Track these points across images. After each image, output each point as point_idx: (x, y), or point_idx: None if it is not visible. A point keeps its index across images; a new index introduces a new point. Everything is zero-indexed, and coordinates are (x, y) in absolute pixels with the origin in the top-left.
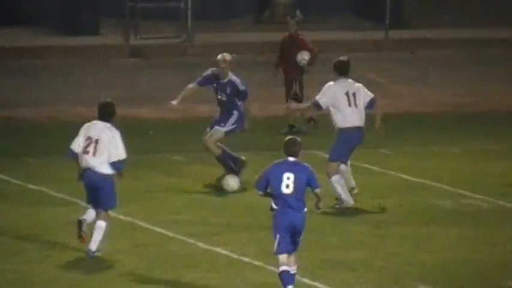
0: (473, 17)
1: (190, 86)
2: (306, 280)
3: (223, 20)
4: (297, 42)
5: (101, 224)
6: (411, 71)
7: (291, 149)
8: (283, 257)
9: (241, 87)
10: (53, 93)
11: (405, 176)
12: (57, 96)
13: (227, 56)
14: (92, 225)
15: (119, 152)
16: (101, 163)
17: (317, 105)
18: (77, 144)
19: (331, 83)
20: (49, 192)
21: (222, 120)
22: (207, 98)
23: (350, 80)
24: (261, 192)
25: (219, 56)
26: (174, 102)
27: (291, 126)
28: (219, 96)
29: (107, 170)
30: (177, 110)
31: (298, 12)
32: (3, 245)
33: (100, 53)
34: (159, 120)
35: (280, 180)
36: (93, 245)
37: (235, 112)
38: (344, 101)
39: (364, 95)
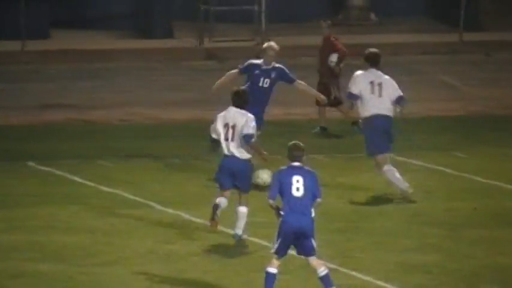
0: None
1: (232, 72)
2: (380, 282)
3: (297, 22)
4: (329, 45)
5: (243, 210)
6: (486, 74)
7: (295, 154)
8: (275, 260)
9: (288, 70)
10: (127, 96)
11: (480, 179)
12: (130, 99)
13: (275, 45)
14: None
15: (249, 129)
16: (238, 147)
17: (351, 95)
18: (217, 132)
19: (358, 72)
20: (122, 195)
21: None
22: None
23: (379, 72)
24: (272, 201)
25: (266, 45)
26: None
27: (323, 128)
28: (260, 84)
29: (245, 154)
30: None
31: (372, 14)
32: (77, 247)
33: (174, 56)
34: None
35: (290, 184)
36: (239, 230)
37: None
38: (367, 90)
39: (393, 89)
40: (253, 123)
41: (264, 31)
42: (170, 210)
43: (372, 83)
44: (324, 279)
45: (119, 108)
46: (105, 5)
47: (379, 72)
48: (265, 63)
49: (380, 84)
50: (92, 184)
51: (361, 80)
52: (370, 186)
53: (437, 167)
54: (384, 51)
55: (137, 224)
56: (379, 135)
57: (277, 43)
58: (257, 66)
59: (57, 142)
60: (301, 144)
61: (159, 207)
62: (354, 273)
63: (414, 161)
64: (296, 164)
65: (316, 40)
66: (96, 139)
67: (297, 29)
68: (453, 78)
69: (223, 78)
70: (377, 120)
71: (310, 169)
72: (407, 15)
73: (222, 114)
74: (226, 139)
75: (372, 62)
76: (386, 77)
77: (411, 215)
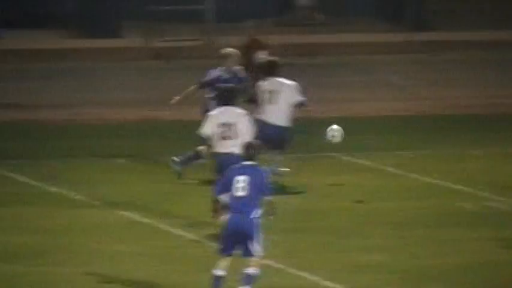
0: (493, 19)
1: (192, 88)
2: (327, 283)
3: (244, 22)
4: (256, 44)
5: None
6: (432, 73)
7: (247, 152)
8: (221, 261)
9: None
10: (73, 95)
11: (427, 179)
12: (77, 98)
13: (233, 50)
14: None
15: (250, 132)
16: (239, 145)
17: (253, 101)
18: (209, 130)
19: (260, 82)
20: (68, 195)
21: None
22: None
23: (277, 79)
24: (217, 196)
25: (226, 51)
26: (174, 101)
27: None
28: None
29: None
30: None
31: (319, 14)
32: (24, 247)
33: (121, 55)
34: (180, 122)
35: (234, 183)
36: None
37: None
38: (266, 99)
39: (292, 94)
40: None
41: (211, 31)
42: (117, 211)
43: (270, 92)
44: (247, 277)
45: (65, 108)
46: (54, 4)
47: (278, 80)
48: (227, 70)
49: (277, 92)
50: (39, 184)
51: (259, 90)
52: (320, 186)
53: (385, 167)
54: (331, 51)
55: (84, 224)
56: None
57: (224, 42)
58: (218, 78)
59: (3, 142)
60: (255, 143)
61: (105, 207)
62: (301, 273)
63: (362, 161)
64: (247, 162)
65: (265, 39)
66: (42, 139)
67: (244, 28)
68: (400, 78)
69: (183, 94)
70: (267, 128)
71: (260, 168)
72: (355, 15)
73: (213, 113)
74: (226, 137)
75: (268, 71)
76: (288, 82)
77: (359, 215)
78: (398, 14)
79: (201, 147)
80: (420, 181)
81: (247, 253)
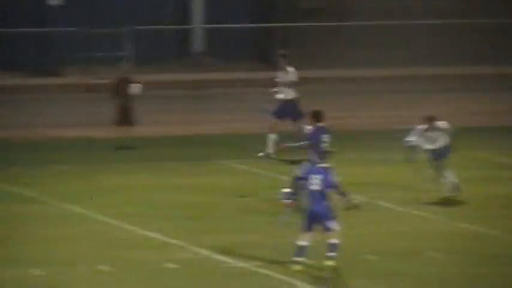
0: None
1: None
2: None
3: (155, 64)
4: (125, 80)
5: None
6: None
7: None
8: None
9: None
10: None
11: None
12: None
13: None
14: None
15: None
16: None
17: None
18: None
19: None
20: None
21: None
22: None
23: None
24: None
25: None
26: None
27: None
28: None
29: None
30: None
31: (211, 58)
32: None
33: (63, 90)
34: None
35: None
36: None
37: None
38: None
39: None
40: None
41: (130, 70)
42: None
43: None
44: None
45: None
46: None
47: None
48: None
49: None
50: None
51: None
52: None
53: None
54: (219, 84)
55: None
56: None
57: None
58: None
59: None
60: None
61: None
62: (197, 249)
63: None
64: None
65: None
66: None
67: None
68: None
69: None
70: None
71: None
72: (239, 57)
73: None
74: None
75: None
76: None
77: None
78: (271, 56)
79: None
80: None
81: None
